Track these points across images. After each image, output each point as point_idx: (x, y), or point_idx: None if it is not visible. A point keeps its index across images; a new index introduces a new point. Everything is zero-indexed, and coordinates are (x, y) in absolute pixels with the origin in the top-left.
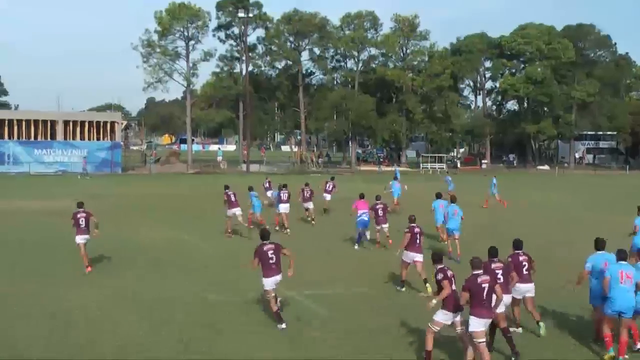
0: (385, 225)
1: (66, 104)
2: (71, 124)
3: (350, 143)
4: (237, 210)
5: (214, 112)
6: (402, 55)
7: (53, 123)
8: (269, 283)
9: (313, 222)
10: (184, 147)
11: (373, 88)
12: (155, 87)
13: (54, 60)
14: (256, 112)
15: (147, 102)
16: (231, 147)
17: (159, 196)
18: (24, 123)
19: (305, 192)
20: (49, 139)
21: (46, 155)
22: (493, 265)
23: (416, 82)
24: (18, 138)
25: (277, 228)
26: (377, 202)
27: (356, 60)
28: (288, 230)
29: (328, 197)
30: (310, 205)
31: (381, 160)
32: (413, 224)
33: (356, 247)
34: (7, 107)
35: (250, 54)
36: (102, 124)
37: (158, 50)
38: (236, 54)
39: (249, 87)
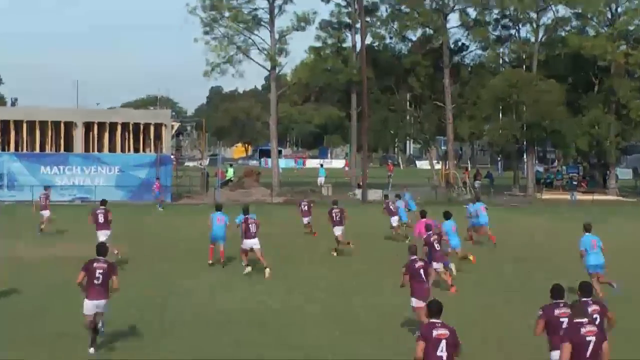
0: (437, 265)
1: (88, 99)
2: (96, 127)
3: (524, 156)
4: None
5: (312, 108)
6: (609, 17)
7: (69, 126)
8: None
9: (334, 253)
10: (264, 161)
11: (562, 70)
12: (223, 71)
13: (71, 38)
14: (377, 109)
15: (210, 95)
16: (339, 163)
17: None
18: (25, 126)
19: (335, 214)
20: (62, 150)
21: (58, 175)
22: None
23: (632, 60)
24: (17, 149)
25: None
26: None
27: (534, 25)
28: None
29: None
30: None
31: (575, 183)
32: (414, 257)
33: None
34: (1, 100)
35: (368, 19)
36: (142, 127)
37: (227, 14)
38: (346, 19)
39: (367, 70)
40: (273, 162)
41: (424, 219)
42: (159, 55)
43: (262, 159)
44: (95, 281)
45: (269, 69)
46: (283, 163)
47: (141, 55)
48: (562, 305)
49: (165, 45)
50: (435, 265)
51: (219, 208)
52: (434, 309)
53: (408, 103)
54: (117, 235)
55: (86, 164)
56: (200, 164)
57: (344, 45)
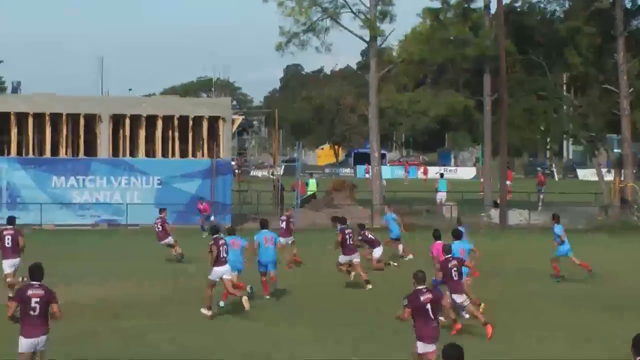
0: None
1: (117, 83)
2: (127, 122)
3: None
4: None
5: (429, 95)
6: None
7: (91, 120)
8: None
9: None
10: (361, 169)
11: None
12: (304, 43)
13: (92, 4)
14: (521, 96)
15: (285, 78)
16: (468, 172)
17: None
18: (31, 120)
19: (348, 237)
20: (81, 153)
21: (77, 188)
22: None
23: None
24: (20, 153)
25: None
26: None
27: None
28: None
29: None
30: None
31: None
32: (421, 287)
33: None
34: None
35: None
36: (191, 122)
37: None
38: None
39: (506, 41)
40: (373, 171)
41: (439, 242)
42: (213, 22)
43: (357, 167)
44: (32, 312)
45: (368, 39)
46: (388, 172)
47: (187, 23)
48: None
49: (222, 7)
50: (456, 297)
51: (265, 225)
52: (453, 355)
53: (565, 87)
54: (155, 271)
55: (115, 173)
56: (272, 174)
57: (473, 5)
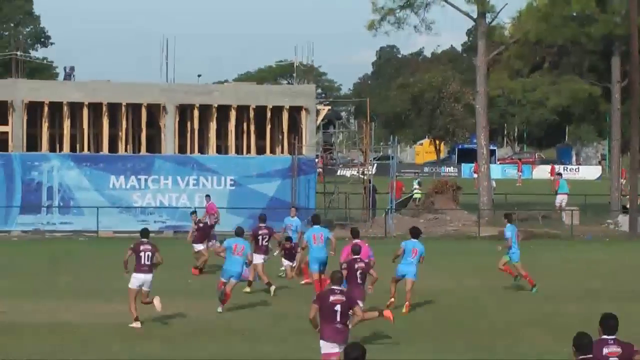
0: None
1: (184, 69)
2: (196, 113)
3: None
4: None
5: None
6: None
7: (155, 111)
8: None
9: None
10: (467, 168)
11: None
12: (400, 21)
13: None
14: None
15: (378, 62)
16: (592, 172)
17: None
18: (86, 112)
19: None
20: (143, 149)
21: (138, 190)
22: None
23: None
24: (73, 149)
25: None
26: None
27: None
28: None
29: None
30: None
31: None
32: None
33: None
34: (49, 71)
35: None
36: (269, 113)
37: None
38: None
39: (637, 17)
40: (481, 170)
41: (356, 240)
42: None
43: (462, 165)
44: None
45: (475, 17)
46: (498, 171)
47: (265, 1)
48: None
49: None
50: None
51: (316, 220)
52: (354, 356)
53: None
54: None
55: (182, 172)
56: (363, 173)
57: None
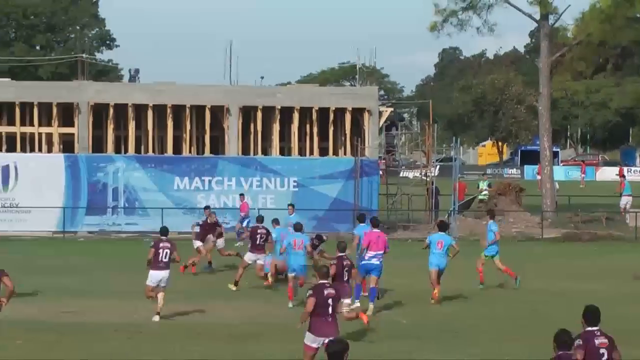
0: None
1: (246, 71)
2: (259, 115)
3: None
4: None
5: (609, 83)
6: None
7: (218, 113)
8: None
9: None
10: (530, 169)
11: None
12: (463, 23)
13: None
14: None
15: (441, 64)
16: None
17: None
18: (151, 113)
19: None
20: (207, 151)
21: (202, 191)
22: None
23: None
24: (138, 150)
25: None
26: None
27: None
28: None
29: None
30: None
31: None
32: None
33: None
34: (115, 73)
35: None
36: (331, 115)
37: None
38: None
39: None
40: (544, 172)
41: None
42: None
43: (525, 167)
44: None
45: (538, 18)
46: (561, 173)
47: (326, 2)
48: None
49: None
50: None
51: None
52: (335, 350)
53: None
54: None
55: (245, 173)
56: (425, 175)
57: None
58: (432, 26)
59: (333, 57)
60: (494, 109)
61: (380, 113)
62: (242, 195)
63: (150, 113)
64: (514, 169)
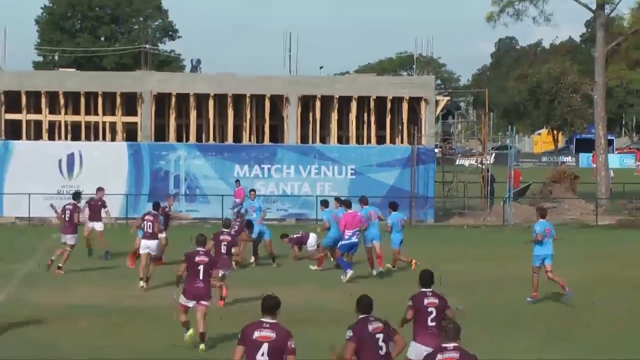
0: None
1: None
2: (318, 104)
3: None
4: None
5: None
6: None
7: (277, 102)
8: None
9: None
10: (585, 157)
11: None
12: (519, 13)
13: None
14: None
15: (497, 54)
16: None
17: None
18: (212, 102)
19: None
20: (266, 139)
21: (262, 178)
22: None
23: None
24: (199, 139)
25: None
26: None
27: None
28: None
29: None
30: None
31: None
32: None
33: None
34: (177, 63)
35: None
36: (389, 104)
37: None
38: None
39: None
40: (599, 160)
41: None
42: None
43: (580, 155)
44: (197, 276)
45: (594, 8)
46: (616, 161)
47: None
48: None
49: None
50: None
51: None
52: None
53: None
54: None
55: (304, 161)
56: (481, 163)
57: None
58: (488, 16)
59: (391, 47)
60: (549, 97)
61: (437, 102)
62: (237, 181)
63: (211, 102)
64: (569, 157)
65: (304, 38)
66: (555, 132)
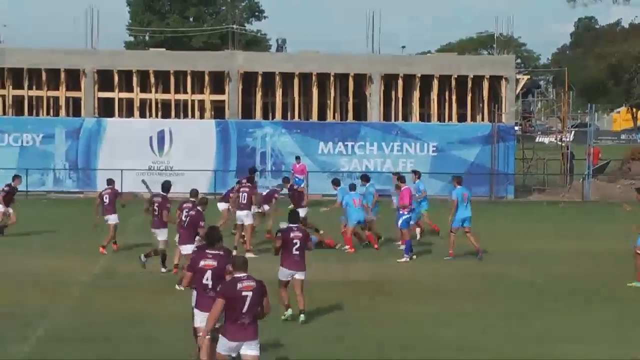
0: None
1: (388, 42)
2: (400, 83)
3: None
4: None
5: None
6: None
7: (361, 81)
8: None
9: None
10: None
11: None
12: None
13: None
14: None
15: (577, 33)
16: None
17: None
18: (297, 82)
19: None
20: (350, 117)
21: (345, 155)
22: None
23: None
24: (285, 117)
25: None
26: None
27: None
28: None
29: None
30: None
31: None
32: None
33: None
34: (263, 43)
35: None
36: (470, 82)
37: None
38: None
39: None
40: None
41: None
42: None
43: None
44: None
45: None
46: None
47: None
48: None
49: None
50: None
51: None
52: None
53: None
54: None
55: (386, 139)
56: (561, 140)
57: None
58: None
59: (471, 27)
60: (629, 76)
61: (517, 80)
62: (297, 157)
63: (296, 81)
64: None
65: (387, 18)
66: (634, 110)
